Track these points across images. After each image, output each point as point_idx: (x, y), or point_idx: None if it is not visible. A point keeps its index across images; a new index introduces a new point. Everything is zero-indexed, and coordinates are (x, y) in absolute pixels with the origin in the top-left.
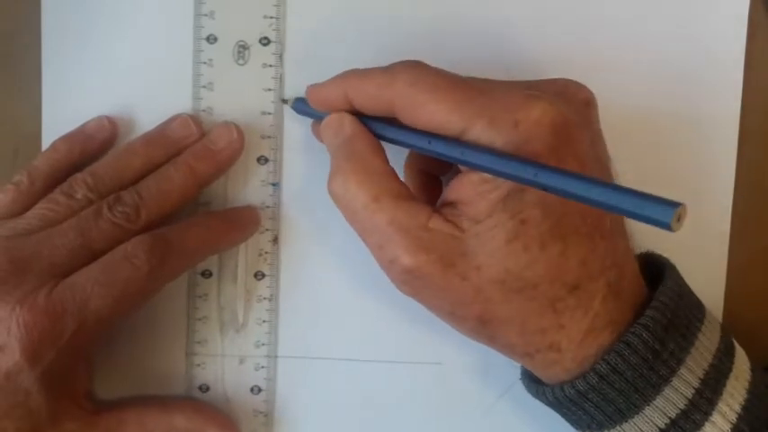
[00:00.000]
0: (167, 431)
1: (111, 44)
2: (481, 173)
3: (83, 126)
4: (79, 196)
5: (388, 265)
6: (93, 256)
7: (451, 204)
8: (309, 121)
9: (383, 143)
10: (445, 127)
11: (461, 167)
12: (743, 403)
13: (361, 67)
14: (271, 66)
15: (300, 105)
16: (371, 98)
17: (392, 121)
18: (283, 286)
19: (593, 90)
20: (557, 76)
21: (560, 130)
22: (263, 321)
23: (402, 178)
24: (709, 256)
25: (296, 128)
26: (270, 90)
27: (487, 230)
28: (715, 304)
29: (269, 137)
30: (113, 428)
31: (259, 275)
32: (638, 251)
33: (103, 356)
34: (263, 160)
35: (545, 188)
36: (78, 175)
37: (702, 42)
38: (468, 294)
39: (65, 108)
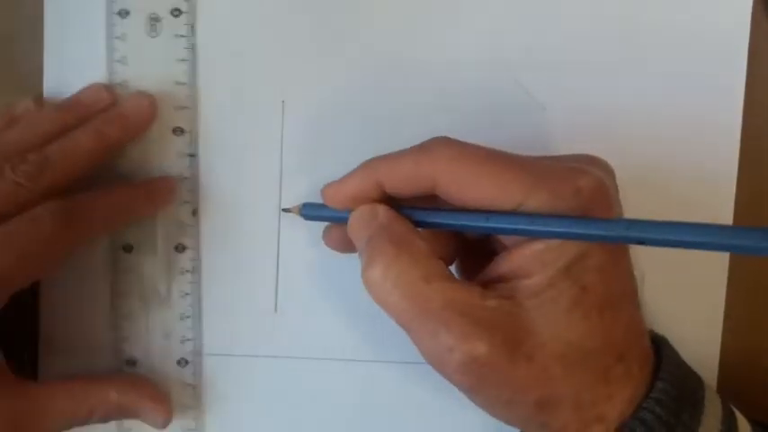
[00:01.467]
0: (100, 404)
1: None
2: (546, 241)
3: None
4: None
5: (447, 355)
6: None
7: (503, 279)
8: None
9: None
10: (499, 201)
11: (515, 240)
12: None
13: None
14: (183, 36)
15: (311, 211)
16: (409, 180)
17: (426, 206)
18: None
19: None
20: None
21: (611, 197)
22: (186, 294)
23: None
24: (709, 256)
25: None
26: (183, 60)
27: (549, 301)
28: (714, 303)
29: (185, 107)
30: (42, 399)
31: (180, 248)
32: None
33: (32, 331)
34: (179, 131)
35: (641, 241)
36: None
37: (704, 43)
38: (532, 377)
39: None
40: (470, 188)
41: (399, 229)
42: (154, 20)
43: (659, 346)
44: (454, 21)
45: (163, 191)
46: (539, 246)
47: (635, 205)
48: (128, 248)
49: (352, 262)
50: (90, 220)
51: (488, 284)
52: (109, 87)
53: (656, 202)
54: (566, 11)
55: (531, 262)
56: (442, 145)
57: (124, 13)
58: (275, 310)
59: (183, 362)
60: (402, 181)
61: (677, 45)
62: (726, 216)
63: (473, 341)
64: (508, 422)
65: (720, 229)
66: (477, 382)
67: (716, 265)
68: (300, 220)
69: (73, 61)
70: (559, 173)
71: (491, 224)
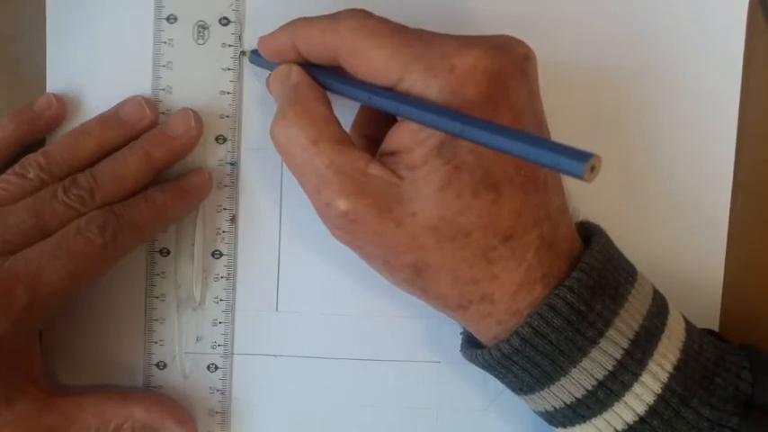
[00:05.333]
0: (125, 421)
1: (116, 44)
2: (414, 122)
3: (30, 103)
4: (31, 176)
5: (325, 210)
6: (46, 236)
7: (390, 153)
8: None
9: (331, 96)
10: (384, 73)
11: (399, 117)
12: (675, 363)
13: None
14: (230, 46)
15: (256, 57)
16: (317, 45)
17: (338, 73)
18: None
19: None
20: None
21: (495, 78)
22: (221, 300)
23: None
24: (707, 257)
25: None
26: (229, 70)
27: (422, 177)
28: (712, 304)
29: (227, 116)
30: (71, 413)
31: (216, 254)
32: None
33: (63, 333)
34: (221, 139)
35: (471, 140)
36: (31, 156)
37: (701, 44)
38: (402, 241)
39: (69, 109)
40: (361, 59)
41: (303, 92)
42: (202, 27)
43: (590, 237)
44: (459, 25)
45: (196, 188)
46: (413, 125)
47: (634, 202)
48: (164, 252)
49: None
50: (134, 231)
51: (383, 156)
52: (149, 102)
53: (654, 199)
54: (568, 16)
55: (409, 139)
56: (349, 15)
57: (172, 19)
58: (276, 308)
59: (212, 367)
60: (311, 46)
61: (675, 46)
62: (722, 215)
63: (346, 198)
64: (398, 285)
65: (538, 144)
66: (352, 238)
67: (713, 257)
68: None
69: (76, 61)
70: (442, 49)
71: (371, 101)
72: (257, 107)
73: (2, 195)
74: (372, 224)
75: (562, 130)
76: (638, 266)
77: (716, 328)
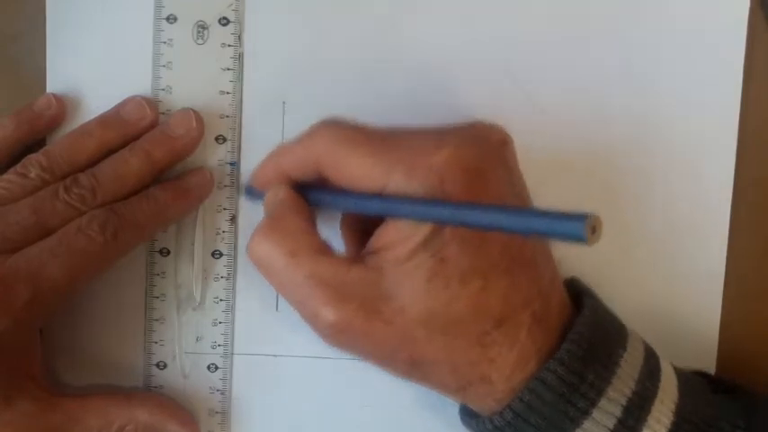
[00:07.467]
0: (128, 423)
1: (116, 44)
2: (404, 219)
3: (30, 103)
4: (32, 176)
5: (313, 320)
6: (47, 235)
7: (375, 252)
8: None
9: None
10: (367, 180)
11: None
12: (669, 427)
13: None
14: (230, 46)
15: (250, 191)
16: (300, 163)
17: (328, 187)
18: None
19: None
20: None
21: (472, 172)
22: (221, 300)
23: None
24: (707, 261)
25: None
26: (229, 70)
27: (410, 271)
28: (712, 312)
29: (227, 116)
30: (74, 413)
31: (216, 254)
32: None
33: (63, 332)
34: (221, 140)
35: (463, 224)
36: (32, 156)
37: (702, 47)
38: (394, 339)
39: (69, 109)
40: (343, 169)
41: (282, 208)
42: (201, 27)
43: (580, 296)
44: (457, 22)
45: (197, 187)
46: (400, 222)
47: (633, 205)
48: (164, 252)
49: None
50: (135, 230)
51: (367, 255)
52: (150, 102)
53: (654, 202)
54: (566, 13)
55: (395, 236)
56: (324, 128)
57: (172, 19)
58: (276, 308)
59: (213, 367)
60: (296, 166)
61: (676, 49)
62: (722, 217)
63: (331, 308)
64: (399, 377)
65: (532, 215)
66: (345, 345)
67: (712, 261)
68: None
69: (76, 61)
70: (420, 151)
71: (357, 207)
72: (257, 107)
73: (3, 195)
74: (361, 328)
75: (560, 131)
76: (632, 307)
77: (712, 368)
